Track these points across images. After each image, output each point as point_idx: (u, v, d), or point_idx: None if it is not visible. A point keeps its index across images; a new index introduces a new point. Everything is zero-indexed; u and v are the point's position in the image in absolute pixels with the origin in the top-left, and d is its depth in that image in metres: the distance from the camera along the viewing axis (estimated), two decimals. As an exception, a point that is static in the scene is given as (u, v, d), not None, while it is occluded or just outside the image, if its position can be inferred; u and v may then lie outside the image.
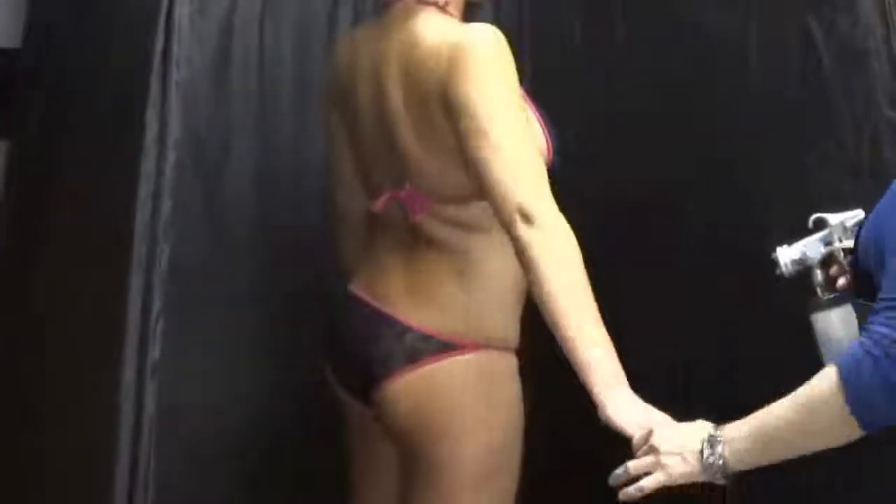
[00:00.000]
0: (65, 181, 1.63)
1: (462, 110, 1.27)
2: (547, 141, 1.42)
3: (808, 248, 1.38)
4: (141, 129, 1.43)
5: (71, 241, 1.57)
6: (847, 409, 0.97)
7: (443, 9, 1.37)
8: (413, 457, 1.40)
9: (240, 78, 1.56)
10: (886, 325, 0.95)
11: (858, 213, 1.33)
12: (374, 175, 1.43)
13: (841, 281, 1.31)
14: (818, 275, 1.35)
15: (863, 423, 0.98)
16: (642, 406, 1.19)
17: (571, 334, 1.17)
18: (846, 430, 1.00)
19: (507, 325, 1.41)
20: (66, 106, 1.68)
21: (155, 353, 1.44)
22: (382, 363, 1.39)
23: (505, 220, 1.22)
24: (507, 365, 1.41)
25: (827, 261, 1.35)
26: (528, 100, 1.42)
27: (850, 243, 1.32)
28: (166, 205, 1.44)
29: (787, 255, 1.38)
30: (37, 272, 1.68)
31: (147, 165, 1.42)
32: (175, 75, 1.45)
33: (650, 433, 1.13)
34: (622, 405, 1.18)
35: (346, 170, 1.52)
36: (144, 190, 1.42)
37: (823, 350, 1.33)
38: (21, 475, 1.63)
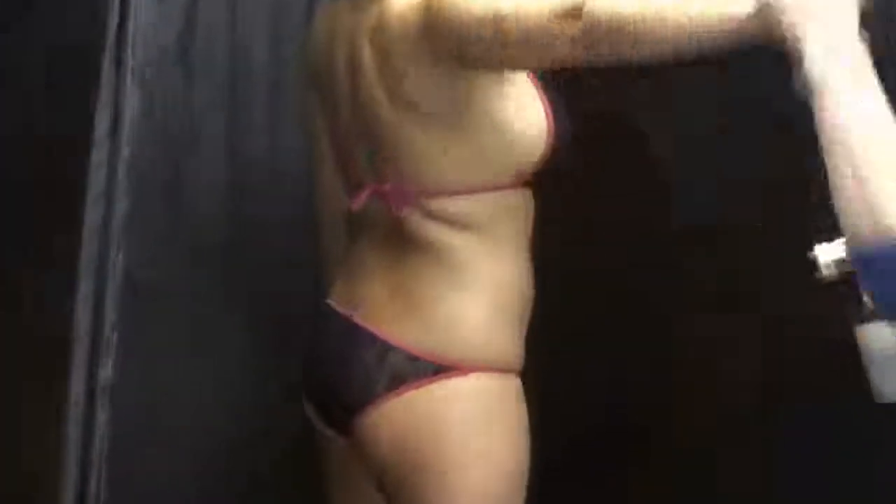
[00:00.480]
0: (4, 175, 1.54)
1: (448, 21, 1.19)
2: (548, 113, 1.31)
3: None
4: (91, 118, 1.32)
5: (11, 245, 1.49)
6: None
7: None
8: (400, 497, 1.29)
9: (206, 59, 1.46)
10: None
11: None
12: (354, 167, 1.33)
13: None
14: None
15: None
16: None
17: None
18: None
19: (508, 342, 1.29)
20: (6, 90, 1.57)
21: (107, 371, 1.33)
22: (362, 388, 1.27)
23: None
24: (509, 390, 1.28)
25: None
26: (531, 74, 1.32)
27: None
28: (120, 205, 1.33)
29: (829, 254, 1.22)
30: None
31: (98, 160, 1.32)
32: (132, 56, 1.33)
33: None
34: None
35: (327, 164, 1.43)
36: (95, 188, 1.32)
37: (871, 369, 1.24)
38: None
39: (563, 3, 1.13)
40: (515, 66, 1.28)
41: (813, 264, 1.22)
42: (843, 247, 1.16)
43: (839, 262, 1.22)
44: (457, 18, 1.19)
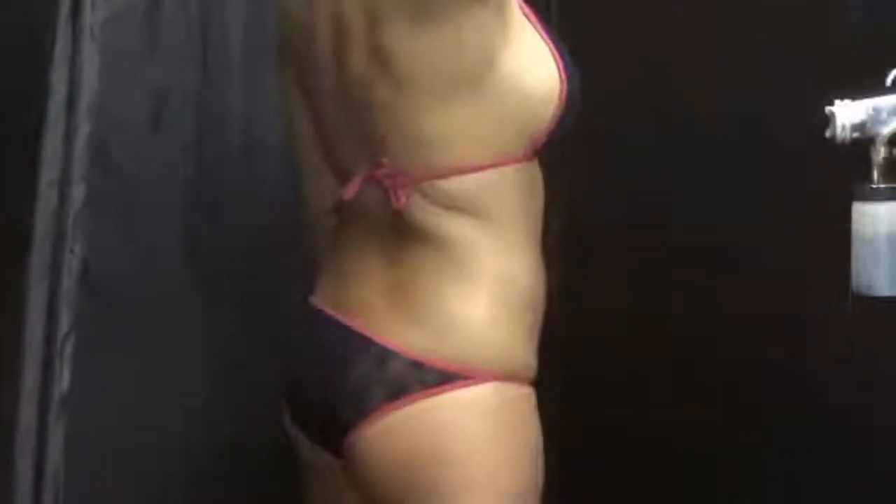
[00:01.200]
0: None
1: None
2: (560, 67, 1.19)
3: (879, 111, 1.18)
4: (44, 92, 1.19)
5: None
6: None
7: None
8: None
9: (174, 25, 1.33)
10: None
11: None
12: (342, 151, 1.21)
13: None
14: (881, 152, 1.16)
15: None
16: None
17: None
18: None
19: (522, 346, 1.18)
20: None
21: (63, 384, 1.21)
22: (357, 400, 1.14)
23: None
24: (520, 399, 1.18)
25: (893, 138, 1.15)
26: (536, 23, 1.22)
27: None
28: (77, 192, 1.21)
29: (846, 115, 1.18)
30: None
31: (52, 140, 1.19)
32: (90, 20, 1.20)
33: None
34: None
35: (307, 148, 1.31)
36: (48, 173, 1.19)
37: (856, 247, 1.19)
38: None
39: None
40: None
41: (826, 121, 1.17)
42: (864, 107, 1.16)
43: (856, 126, 1.17)
44: None
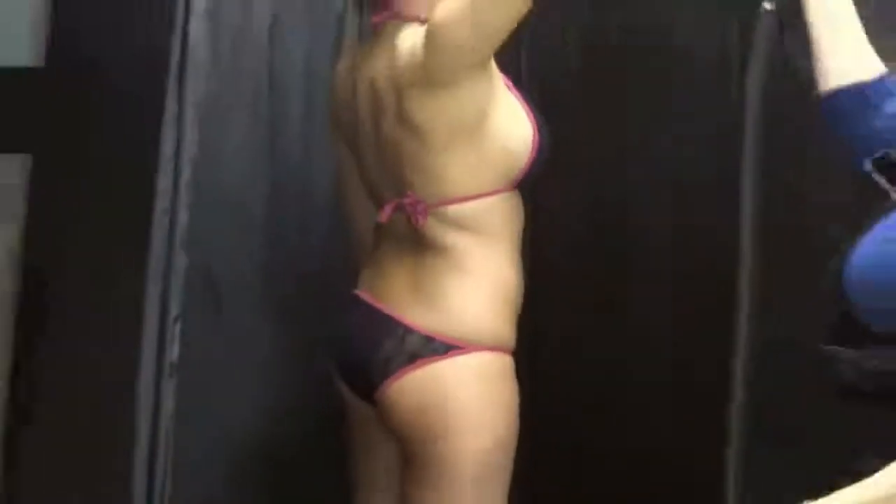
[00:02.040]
0: (83, 192, 1.70)
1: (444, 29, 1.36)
2: (532, 123, 1.47)
3: None
4: (157, 144, 1.50)
5: (90, 252, 1.65)
6: None
7: (423, 23, 1.43)
8: (414, 455, 1.44)
9: (251, 95, 1.63)
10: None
11: None
12: (379, 187, 1.50)
13: None
14: None
15: None
16: None
17: None
18: None
19: (504, 327, 1.47)
20: (84, 120, 1.73)
21: (173, 354, 1.50)
22: (386, 363, 1.44)
23: None
24: (504, 366, 1.46)
25: None
26: (513, 89, 1.47)
27: None
28: (182, 216, 1.50)
29: None
30: (57, 281, 1.75)
31: (164, 179, 1.50)
32: (190, 92, 1.50)
33: None
34: None
35: (354, 185, 1.61)
36: (161, 203, 1.49)
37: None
38: (36, 475, 1.71)
39: None
40: (517, 16, 1.38)
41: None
42: None
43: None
44: (451, 22, 1.35)
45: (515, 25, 1.37)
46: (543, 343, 1.69)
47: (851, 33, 1.42)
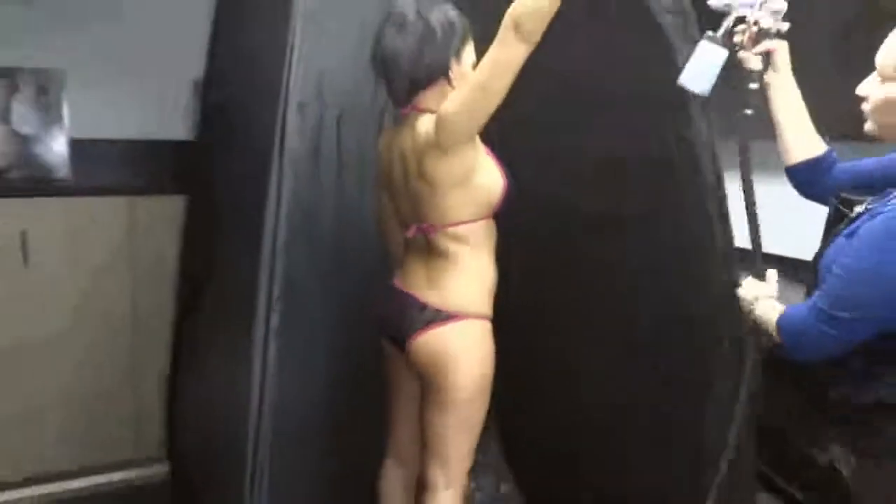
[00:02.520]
0: (220, 219, 2.09)
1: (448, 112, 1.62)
2: (503, 174, 1.75)
3: (741, 4, 1.52)
4: (265, 192, 1.76)
5: (226, 262, 2.02)
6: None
7: (433, 112, 1.72)
8: (429, 384, 1.80)
9: (325, 160, 1.91)
10: (807, 311, 1.33)
11: (783, 7, 1.50)
12: (405, 216, 1.84)
13: (735, 38, 1.53)
14: (729, 21, 1.52)
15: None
16: None
17: None
18: None
19: (485, 303, 1.81)
20: (221, 173, 2.10)
21: (274, 322, 1.79)
22: (411, 326, 1.79)
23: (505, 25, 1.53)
24: (486, 328, 1.80)
25: (741, 20, 1.52)
26: (488, 151, 1.74)
27: (764, 21, 1.49)
28: (280, 236, 1.79)
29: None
30: (205, 293, 2.12)
31: (269, 221, 1.79)
32: (287, 161, 1.78)
33: None
34: None
35: (390, 214, 1.93)
36: (268, 241, 1.79)
37: (686, 68, 1.52)
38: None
39: (503, 29, 1.50)
40: (497, 99, 1.57)
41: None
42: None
43: (725, 4, 1.51)
44: (453, 113, 1.59)
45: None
46: (508, 314, 1.88)
47: (806, 121, 1.60)
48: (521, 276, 1.99)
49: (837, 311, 1.25)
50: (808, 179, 1.56)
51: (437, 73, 1.71)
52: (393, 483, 2.02)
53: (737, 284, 1.62)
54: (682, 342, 1.91)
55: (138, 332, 2.82)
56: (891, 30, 1.37)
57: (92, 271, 2.74)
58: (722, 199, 1.80)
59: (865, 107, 1.37)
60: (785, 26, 1.52)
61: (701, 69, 1.50)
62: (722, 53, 1.48)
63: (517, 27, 1.48)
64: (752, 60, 1.57)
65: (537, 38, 1.51)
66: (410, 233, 1.81)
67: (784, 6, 1.48)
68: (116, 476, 2.81)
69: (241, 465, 1.74)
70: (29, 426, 2.75)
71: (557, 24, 1.46)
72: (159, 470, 2.73)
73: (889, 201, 1.25)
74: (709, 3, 1.53)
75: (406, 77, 1.72)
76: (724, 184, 1.81)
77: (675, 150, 1.82)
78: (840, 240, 1.33)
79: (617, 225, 2.06)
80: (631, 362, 2.03)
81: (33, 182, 2.89)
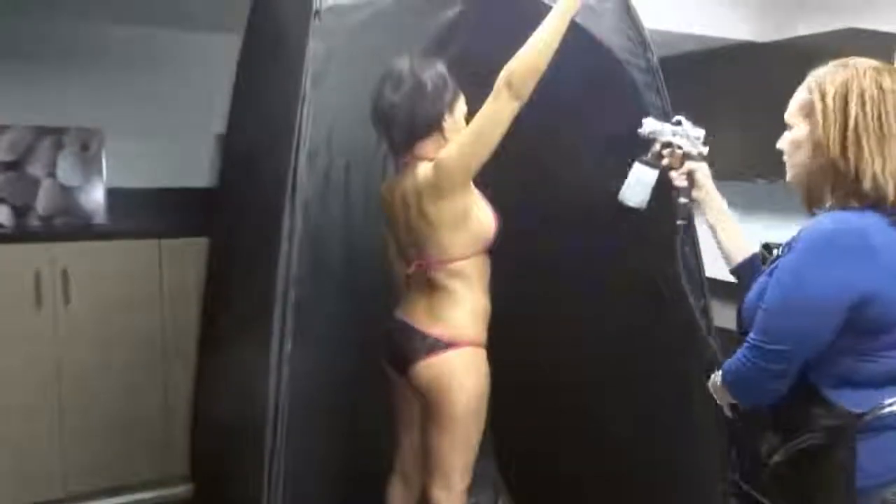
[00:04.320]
0: (236, 256, 2.16)
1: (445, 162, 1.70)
2: (494, 213, 1.81)
3: (664, 130, 1.67)
4: (279, 235, 1.75)
5: (243, 304, 2.08)
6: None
7: (432, 160, 1.78)
8: (429, 405, 1.85)
9: (334, 200, 1.94)
10: (743, 353, 1.31)
11: (701, 133, 1.63)
12: (407, 253, 1.91)
13: (664, 161, 1.64)
14: (657, 146, 1.66)
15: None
16: None
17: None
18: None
19: (479, 331, 1.87)
20: (238, 216, 2.17)
21: (289, 324, 1.75)
22: (414, 354, 1.85)
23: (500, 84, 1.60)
24: (480, 355, 1.87)
25: (667, 145, 1.64)
26: (480, 193, 1.80)
27: (685, 146, 1.61)
28: (293, 270, 1.74)
29: (650, 125, 1.69)
30: (225, 323, 2.20)
31: (284, 258, 1.76)
32: (299, 201, 1.76)
33: None
34: None
35: (393, 251, 2.00)
36: (282, 273, 1.76)
37: (624, 187, 1.63)
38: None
39: (497, 85, 1.56)
40: (489, 148, 1.62)
41: (641, 125, 1.65)
42: (660, 126, 1.63)
43: (652, 132, 1.64)
44: (451, 161, 1.66)
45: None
46: (500, 343, 1.96)
47: (733, 227, 1.66)
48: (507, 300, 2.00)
49: (772, 344, 1.24)
50: (748, 274, 1.56)
51: (431, 125, 1.77)
52: (398, 501, 2.05)
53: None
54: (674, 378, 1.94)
55: (167, 361, 2.91)
56: None
57: (125, 305, 2.85)
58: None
59: (785, 158, 1.42)
60: (705, 150, 1.65)
61: (636, 187, 1.64)
62: (653, 174, 1.61)
63: (510, 85, 1.59)
64: (678, 179, 1.68)
65: (527, 95, 1.60)
66: (412, 268, 1.86)
67: (702, 133, 1.60)
68: (148, 495, 2.89)
69: (258, 475, 1.76)
70: (70, 449, 2.84)
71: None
72: (185, 489, 2.81)
73: (801, 234, 1.28)
74: (639, 131, 1.67)
75: (402, 130, 1.78)
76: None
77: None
78: (763, 279, 1.34)
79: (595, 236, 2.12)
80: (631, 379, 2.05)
81: (74, 227, 3.02)
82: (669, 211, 1.74)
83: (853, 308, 1.21)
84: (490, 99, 1.60)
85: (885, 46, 2.60)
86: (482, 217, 1.80)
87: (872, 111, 1.27)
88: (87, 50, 3.14)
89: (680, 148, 1.60)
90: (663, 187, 1.68)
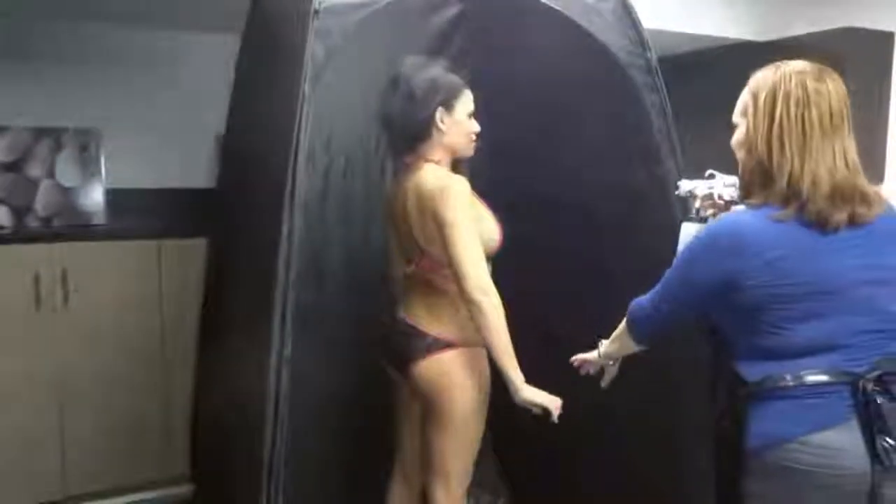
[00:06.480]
0: (237, 256, 2.14)
1: (443, 223, 1.72)
2: (496, 222, 1.83)
3: (699, 186, 1.71)
4: (278, 235, 1.75)
5: (242, 304, 2.06)
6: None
7: (437, 163, 1.83)
8: (429, 404, 1.84)
9: (335, 206, 1.98)
10: (645, 300, 1.52)
11: (735, 180, 1.62)
12: (406, 254, 1.90)
13: (709, 211, 1.68)
14: (696, 202, 1.70)
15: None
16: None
17: (504, 353, 1.71)
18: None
19: (478, 334, 1.77)
20: (238, 217, 2.16)
21: (287, 329, 1.75)
22: (414, 353, 1.83)
23: (468, 289, 1.68)
24: (479, 355, 1.82)
25: (705, 197, 1.68)
26: (480, 200, 1.81)
27: (725, 193, 1.65)
28: (292, 274, 1.75)
29: (686, 186, 1.73)
30: (225, 311, 2.19)
31: (283, 263, 1.76)
32: (299, 201, 1.76)
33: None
34: (535, 391, 1.72)
35: (394, 251, 1.99)
36: (282, 278, 1.76)
37: (679, 245, 1.66)
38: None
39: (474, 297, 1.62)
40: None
41: (677, 187, 1.71)
42: (695, 184, 1.66)
43: (688, 192, 1.69)
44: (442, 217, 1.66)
45: None
46: None
47: None
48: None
49: (662, 301, 1.50)
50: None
51: (423, 129, 1.79)
52: (398, 501, 2.04)
53: None
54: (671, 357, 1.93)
55: (166, 360, 2.90)
56: None
57: (125, 305, 2.84)
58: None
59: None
60: (738, 194, 1.64)
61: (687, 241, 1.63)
62: (699, 226, 1.63)
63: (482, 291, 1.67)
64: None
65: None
66: (410, 269, 1.86)
67: (736, 179, 1.57)
68: (148, 495, 2.89)
69: (258, 475, 1.76)
70: (70, 449, 2.83)
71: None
72: (185, 489, 2.80)
73: (705, 228, 1.43)
74: (677, 193, 1.72)
75: (398, 132, 1.81)
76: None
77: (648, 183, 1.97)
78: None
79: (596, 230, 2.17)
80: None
81: (73, 228, 3.01)
82: (669, 212, 1.77)
83: (728, 290, 1.38)
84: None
85: (882, 45, 2.61)
86: (485, 227, 1.80)
87: (796, 112, 1.36)
88: (86, 51, 3.14)
89: (721, 198, 1.65)
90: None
